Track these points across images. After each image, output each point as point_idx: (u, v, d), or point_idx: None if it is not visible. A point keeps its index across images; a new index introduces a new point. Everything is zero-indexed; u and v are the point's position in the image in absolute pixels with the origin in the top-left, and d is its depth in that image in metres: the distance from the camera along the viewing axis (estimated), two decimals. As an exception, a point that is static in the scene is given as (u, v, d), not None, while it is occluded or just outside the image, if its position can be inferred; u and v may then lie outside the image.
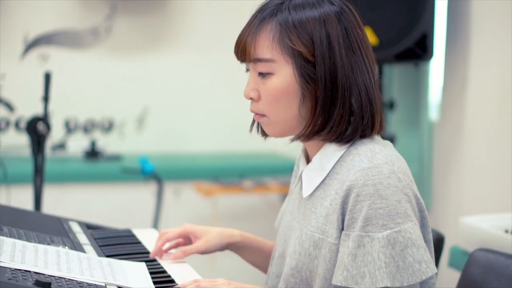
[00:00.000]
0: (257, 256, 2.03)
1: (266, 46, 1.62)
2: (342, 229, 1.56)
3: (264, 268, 2.05)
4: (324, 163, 1.65)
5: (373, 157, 1.56)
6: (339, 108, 1.59)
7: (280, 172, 4.82)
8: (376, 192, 1.51)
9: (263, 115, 1.67)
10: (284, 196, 4.80)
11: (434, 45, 3.61)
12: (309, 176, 1.69)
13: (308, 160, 1.75)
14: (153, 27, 5.21)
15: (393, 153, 1.61)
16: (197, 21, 5.28)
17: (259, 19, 1.64)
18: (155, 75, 5.23)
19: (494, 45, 3.42)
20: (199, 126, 5.33)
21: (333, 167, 1.64)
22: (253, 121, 1.77)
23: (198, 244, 1.96)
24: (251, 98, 1.68)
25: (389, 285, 1.47)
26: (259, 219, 4.92)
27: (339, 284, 1.52)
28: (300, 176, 1.75)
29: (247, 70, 1.69)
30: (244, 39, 1.65)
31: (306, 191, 1.70)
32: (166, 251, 1.98)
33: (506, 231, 2.36)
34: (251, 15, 1.68)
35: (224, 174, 4.79)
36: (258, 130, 1.78)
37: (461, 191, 3.63)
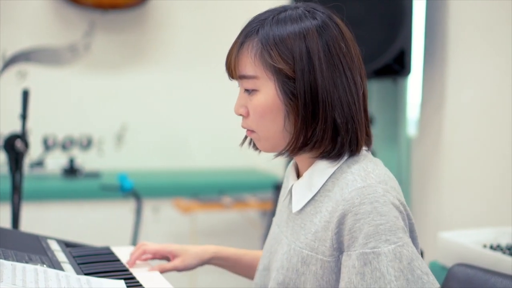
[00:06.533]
0: (237, 269, 2.08)
1: (249, 63, 1.61)
2: (339, 248, 1.55)
3: (248, 277, 2.08)
4: (315, 180, 1.65)
5: (367, 177, 1.56)
6: (321, 123, 1.58)
7: (260, 189, 4.81)
8: (374, 209, 1.50)
9: (253, 131, 1.67)
10: (263, 212, 4.80)
11: (412, 61, 3.63)
12: (299, 192, 1.68)
13: (298, 174, 1.75)
14: (132, 44, 5.21)
15: (385, 172, 1.61)
16: (175, 38, 5.28)
17: (243, 36, 1.64)
18: (134, 92, 5.22)
19: (471, 61, 3.44)
20: (177, 143, 5.33)
21: (325, 183, 1.63)
22: (245, 136, 1.76)
23: (175, 263, 2.01)
24: (240, 115, 1.68)
25: None
26: (239, 236, 4.92)
27: None
28: (290, 190, 1.75)
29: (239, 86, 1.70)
30: (230, 56, 1.65)
31: (296, 206, 1.69)
32: (145, 259, 2.02)
33: (485, 246, 2.37)
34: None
35: (203, 191, 4.78)
36: (250, 145, 1.77)
37: (439, 206, 3.65)
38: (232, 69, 1.65)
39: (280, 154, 1.66)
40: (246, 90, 1.65)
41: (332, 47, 1.60)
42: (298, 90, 1.57)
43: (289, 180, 1.78)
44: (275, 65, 1.58)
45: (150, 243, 2.04)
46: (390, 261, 1.48)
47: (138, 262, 2.01)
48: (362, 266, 1.49)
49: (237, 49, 1.64)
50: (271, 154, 1.70)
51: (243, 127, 1.69)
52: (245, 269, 2.07)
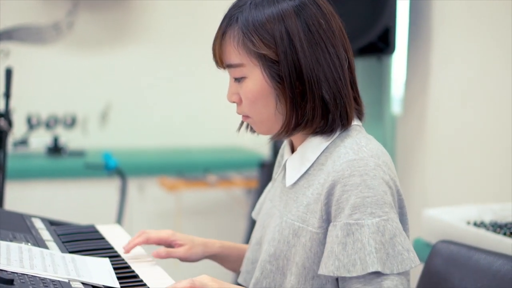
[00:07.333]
0: (237, 265, 1.99)
1: (233, 52, 1.63)
2: (327, 220, 1.58)
3: (235, 269, 2.05)
4: (308, 154, 1.67)
5: (359, 150, 1.58)
6: (310, 102, 1.60)
7: (244, 167, 4.82)
8: (363, 182, 1.52)
9: (248, 116, 1.68)
10: (248, 190, 4.81)
11: (396, 39, 3.63)
12: (293, 166, 1.71)
13: (293, 149, 1.76)
14: (115, 22, 5.18)
15: (378, 147, 1.63)
16: (159, 16, 5.26)
17: (224, 25, 1.65)
18: (118, 70, 5.20)
19: (456, 39, 3.44)
20: (162, 121, 5.32)
21: (318, 157, 1.66)
22: (242, 122, 1.78)
23: (181, 250, 1.91)
24: (234, 102, 1.69)
25: (379, 269, 1.49)
26: (224, 214, 4.93)
27: (331, 274, 1.53)
28: (284, 165, 1.76)
29: None
30: (215, 46, 1.67)
31: (290, 180, 1.71)
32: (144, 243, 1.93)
33: (468, 223, 2.38)
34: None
35: (188, 169, 4.78)
36: (247, 129, 1.78)
37: (424, 184, 3.66)
38: (218, 59, 1.67)
39: (276, 136, 1.69)
40: (236, 78, 1.66)
41: (312, 25, 1.61)
42: (283, 72, 1.60)
43: (284, 156, 1.80)
44: (258, 51, 1.60)
45: (153, 231, 1.93)
46: (372, 233, 1.50)
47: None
48: (344, 236, 1.52)
49: (220, 39, 1.65)
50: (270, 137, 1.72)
51: (238, 113, 1.71)
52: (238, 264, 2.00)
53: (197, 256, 1.94)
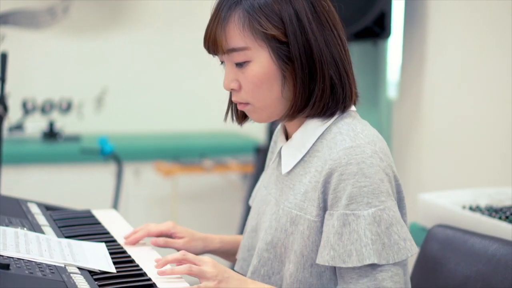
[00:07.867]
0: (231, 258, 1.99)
1: (238, 35, 1.61)
2: (324, 207, 1.58)
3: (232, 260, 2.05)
4: (304, 140, 1.66)
5: (356, 137, 1.57)
6: (319, 83, 1.60)
7: (240, 152, 4.82)
8: (359, 171, 1.52)
9: (247, 104, 1.66)
10: (244, 175, 4.81)
11: (392, 24, 3.62)
12: (289, 153, 1.70)
13: (287, 136, 1.75)
14: (111, 6, 5.16)
15: (374, 133, 1.62)
16: (155, 1, 5.24)
17: (224, 9, 1.62)
18: (113, 55, 5.19)
19: (451, 23, 3.44)
20: (158, 106, 5.31)
21: (314, 144, 1.65)
22: (227, 110, 1.77)
23: (180, 242, 1.91)
24: (232, 89, 1.67)
25: (375, 261, 1.49)
26: (220, 199, 4.93)
27: (326, 264, 1.53)
28: (279, 152, 1.76)
29: (222, 62, 1.68)
30: (213, 32, 1.63)
31: (285, 168, 1.70)
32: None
33: (464, 207, 2.38)
34: (213, 6, 1.66)
35: (184, 154, 4.78)
36: (232, 119, 1.77)
37: (419, 169, 3.66)
38: (218, 45, 1.63)
39: (282, 119, 1.68)
40: (237, 64, 1.64)
41: (317, 6, 1.62)
42: (293, 53, 1.59)
43: (278, 143, 1.79)
44: (266, 32, 1.59)
45: (153, 225, 1.92)
46: (368, 224, 1.50)
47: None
48: (341, 227, 1.51)
49: (222, 24, 1.62)
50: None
51: (235, 101, 1.68)
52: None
53: (195, 250, 1.92)
